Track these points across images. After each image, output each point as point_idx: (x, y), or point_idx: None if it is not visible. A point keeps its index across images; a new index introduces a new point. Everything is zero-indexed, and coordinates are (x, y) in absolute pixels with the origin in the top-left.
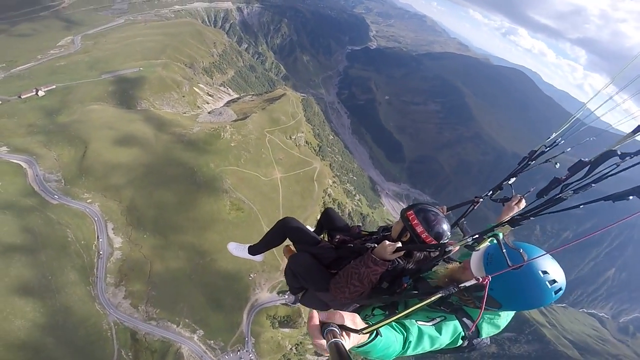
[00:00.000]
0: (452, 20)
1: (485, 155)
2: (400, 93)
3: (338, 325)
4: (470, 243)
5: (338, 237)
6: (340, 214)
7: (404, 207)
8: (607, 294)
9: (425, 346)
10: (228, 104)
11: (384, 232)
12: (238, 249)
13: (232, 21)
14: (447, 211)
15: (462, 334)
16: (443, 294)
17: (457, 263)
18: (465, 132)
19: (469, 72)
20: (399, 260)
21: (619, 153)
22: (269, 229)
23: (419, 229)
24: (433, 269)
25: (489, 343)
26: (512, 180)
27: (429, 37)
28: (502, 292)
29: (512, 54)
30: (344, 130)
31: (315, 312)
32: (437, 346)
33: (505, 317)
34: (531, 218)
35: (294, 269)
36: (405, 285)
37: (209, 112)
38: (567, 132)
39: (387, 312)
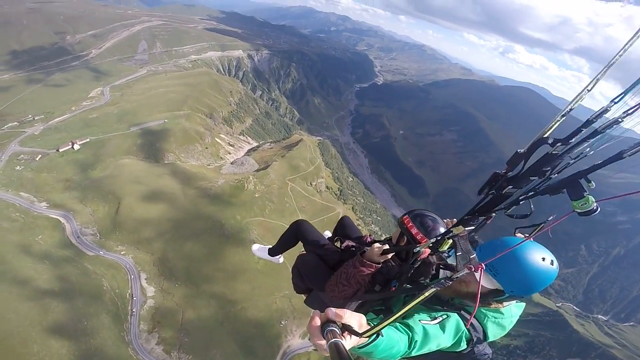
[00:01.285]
0: (450, 46)
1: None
2: (414, 126)
3: (339, 325)
4: (431, 245)
5: (346, 242)
6: (355, 224)
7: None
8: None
9: (432, 346)
10: (249, 153)
11: (389, 240)
12: (260, 251)
13: (244, 69)
14: (456, 224)
15: (467, 335)
16: (437, 288)
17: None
18: (486, 158)
19: (478, 96)
20: (392, 263)
21: (550, 141)
22: (282, 233)
23: (414, 230)
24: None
25: (490, 355)
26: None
27: (432, 66)
28: (518, 288)
29: (515, 72)
30: (363, 171)
31: (317, 312)
32: (442, 346)
33: (510, 318)
34: (480, 217)
35: (300, 268)
36: (394, 289)
37: (231, 163)
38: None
39: (381, 316)
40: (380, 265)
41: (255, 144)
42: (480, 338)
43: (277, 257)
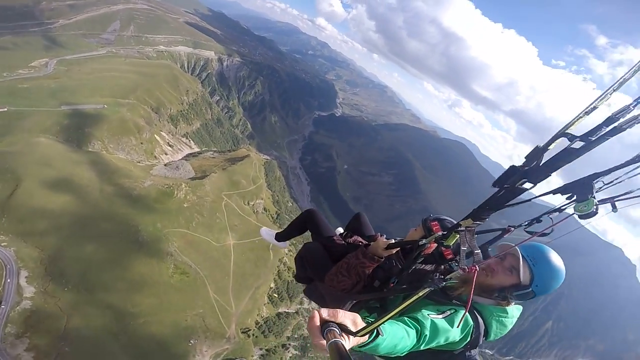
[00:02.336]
0: (409, 92)
1: None
2: (359, 163)
3: (338, 324)
4: (438, 238)
5: (355, 237)
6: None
7: (425, 217)
8: (549, 343)
9: (440, 340)
10: (187, 157)
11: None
12: (267, 234)
13: (210, 71)
14: (474, 234)
15: (470, 330)
16: (431, 287)
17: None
18: (414, 204)
19: (420, 145)
20: (397, 260)
21: (569, 135)
22: (293, 219)
23: (435, 226)
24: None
25: None
26: (555, 214)
27: (387, 108)
28: (542, 285)
29: (456, 126)
30: (303, 198)
31: (316, 312)
32: (451, 340)
33: (512, 318)
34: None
35: (303, 256)
36: (392, 285)
37: (165, 165)
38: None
39: (374, 314)
40: (382, 260)
41: (197, 150)
42: (479, 336)
43: (283, 242)
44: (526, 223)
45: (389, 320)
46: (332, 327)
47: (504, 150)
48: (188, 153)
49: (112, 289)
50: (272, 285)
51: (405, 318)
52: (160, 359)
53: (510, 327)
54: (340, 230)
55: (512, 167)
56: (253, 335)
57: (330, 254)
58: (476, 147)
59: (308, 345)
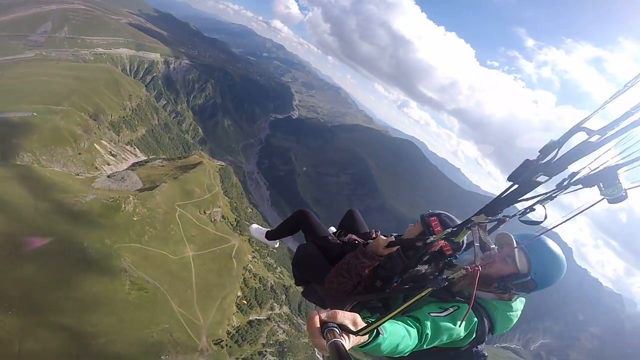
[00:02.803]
0: (361, 93)
1: (388, 223)
2: (317, 164)
3: (338, 325)
4: (449, 235)
5: (350, 235)
6: (362, 218)
7: (422, 213)
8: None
9: (443, 338)
10: (133, 167)
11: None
12: (257, 232)
13: (155, 74)
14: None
15: (475, 327)
16: (433, 287)
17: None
18: (371, 203)
19: (373, 145)
20: (399, 259)
21: (586, 129)
22: (286, 218)
23: (435, 224)
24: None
25: (487, 355)
26: (548, 202)
27: (342, 109)
28: (542, 272)
29: (405, 125)
30: (263, 202)
31: (315, 312)
32: (455, 337)
33: (517, 311)
34: (508, 205)
35: (299, 258)
36: (395, 285)
37: (108, 176)
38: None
39: (377, 314)
40: (382, 259)
41: (143, 158)
42: (485, 332)
43: (274, 241)
44: (520, 212)
45: (390, 320)
46: (332, 327)
47: (449, 146)
48: (134, 162)
49: (62, 310)
50: (239, 293)
51: (406, 317)
52: None
53: (515, 320)
54: (333, 229)
55: (527, 161)
56: (227, 345)
57: (326, 254)
58: (424, 144)
59: (285, 350)
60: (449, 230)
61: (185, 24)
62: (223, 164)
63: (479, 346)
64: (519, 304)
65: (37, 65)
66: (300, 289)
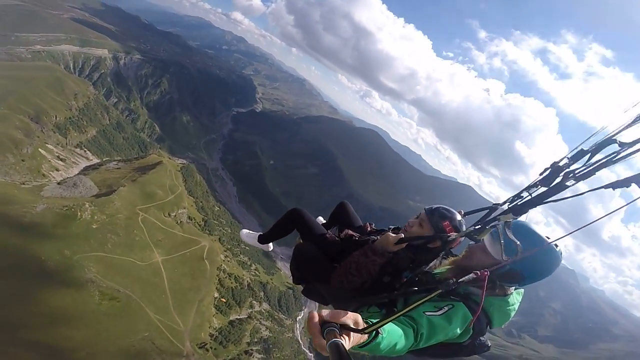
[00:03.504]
0: (325, 84)
1: (358, 212)
2: (284, 157)
3: (338, 325)
4: (471, 233)
5: (346, 231)
6: (354, 210)
7: (425, 207)
8: None
9: (439, 337)
10: (86, 171)
11: (395, 230)
12: (249, 237)
13: (103, 70)
14: (463, 215)
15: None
16: (442, 289)
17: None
18: (340, 192)
19: (339, 135)
20: (405, 254)
21: (618, 142)
22: (278, 219)
23: (445, 223)
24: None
25: (490, 345)
26: (533, 190)
27: (307, 101)
28: (528, 267)
29: (368, 115)
30: (231, 199)
31: (315, 312)
32: (450, 336)
33: (514, 305)
34: (535, 207)
35: (297, 259)
36: (405, 280)
37: (58, 183)
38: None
39: (383, 310)
40: (391, 255)
41: (96, 161)
42: (483, 328)
43: (267, 244)
44: (510, 199)
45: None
46: (332, 327)
47: (409, 134)
48: (86, 166)
49: (31, 326)
50: (216, 294)
51: (402, 317)
52: None
53: (513, 313)
54: (322, 219)
55: (557, 167)
56: (212, 348)
57: (325, 252)
58: (387, 133)
59: (270, 346)
60: (471, 228)
61: (136, 17)
62: (185, 162)
63: (481, 338)
64: (516, 296)
65: None
66: (282, 285)
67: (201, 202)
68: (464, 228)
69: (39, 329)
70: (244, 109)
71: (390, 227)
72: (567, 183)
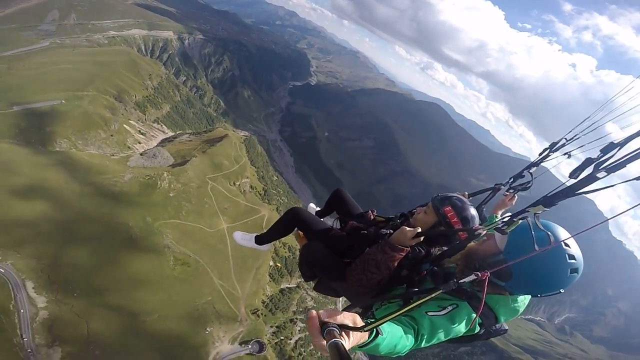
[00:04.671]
0: (381, 56)
1: (414, 188)
2: (338, 129)
3: (338, 325)
4: (500, 226)
5: (350, 223)
6: (351, 197)
7: (433, 196)
8: (537, 299)
9: (440, 337)
10: (162, 143)
11: (401, 219)
12: (244, 239)
13: (171, 51)
14: (468, 197)
15: (479, 320)
16: (443, 290)
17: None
18: (396, 166)
19: (396, 108)
20: (420, 247)
21: None
22: (277, 219)
23: (454, 219)
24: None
25: (507, 329)
26: (533, 169)
27: (361, 73)
28: (525, 272)
29: (429, 87)
30: (288, 170)
31: (314, 312)
32: (452, 335)
33: (523, 301)
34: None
35: (307, 259)
36: (425, 273)
37: (141, 154)
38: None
39: (401, 302)
40: (409, 250)
41: (171, 134)
42: (492, 324)
43: (265, 246)
44: (511, 180)
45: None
46: (332, 327)
47: (477, 108)
48: (162, 139)
49: (117, 290)
50: (271, 263)
51: (402, 317)
52: (184, 350)
53: (522, 309)
54: (313, 206)
55: (589, 159)
56: (262, 315)
57: (333, 249)
58: (451, 106)
59: None
60: (499, 222)
61: None
62: (247, 134)
63: (496, 325)
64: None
65: (54, 54)
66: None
67: (262, 172)
68: (474, 218)
69: (123, 293)
70: (299, 82)
71: (397, 214)
72: (599, 175)
